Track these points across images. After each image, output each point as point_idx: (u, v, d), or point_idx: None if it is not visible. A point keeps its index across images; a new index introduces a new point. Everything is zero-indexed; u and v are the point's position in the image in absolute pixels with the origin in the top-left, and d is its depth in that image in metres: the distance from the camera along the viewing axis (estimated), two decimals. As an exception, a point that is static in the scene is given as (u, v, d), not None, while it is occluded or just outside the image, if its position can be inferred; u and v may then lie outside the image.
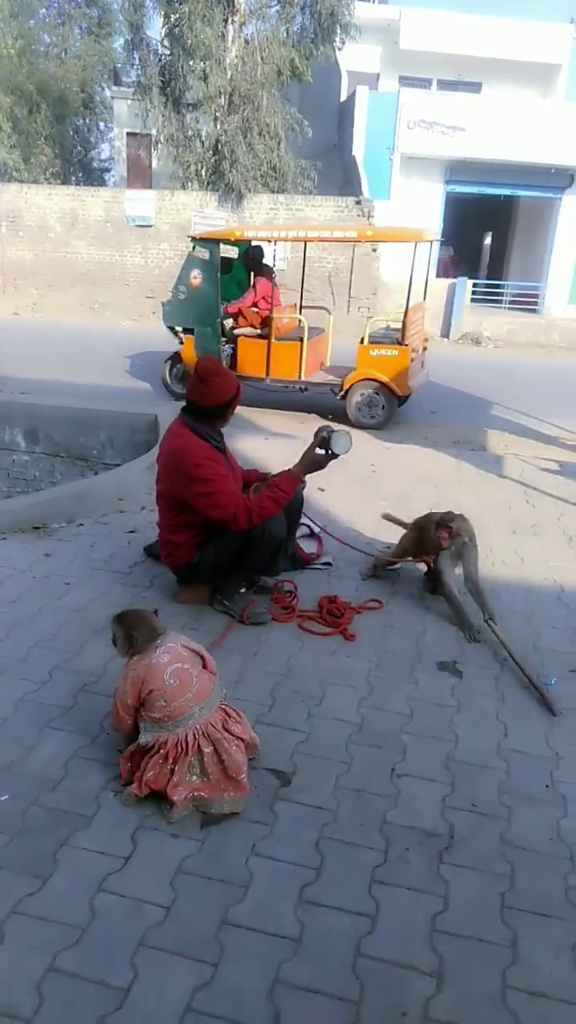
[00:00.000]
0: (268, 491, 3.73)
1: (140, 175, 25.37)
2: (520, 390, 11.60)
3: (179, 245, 18.17)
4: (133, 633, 2.61)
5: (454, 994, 1.99)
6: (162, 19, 18.89)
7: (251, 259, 10.07)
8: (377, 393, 8.71)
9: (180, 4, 17.03)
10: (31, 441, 7.67)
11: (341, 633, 3.81)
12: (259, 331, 9.55)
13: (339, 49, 19.08)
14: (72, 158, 23.81)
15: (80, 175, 23.85)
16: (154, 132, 19.42)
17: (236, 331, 9.63)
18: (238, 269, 10.38)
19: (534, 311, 20.61)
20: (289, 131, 18.55)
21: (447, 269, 21.89)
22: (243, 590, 4.00)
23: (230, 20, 18.07)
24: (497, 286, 21.66)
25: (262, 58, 17.64)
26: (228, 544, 3.80)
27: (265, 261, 10.13)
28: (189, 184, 18.64)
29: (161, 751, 2.50)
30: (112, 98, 25.25)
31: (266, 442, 7.51)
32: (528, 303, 20.80)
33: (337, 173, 20.81)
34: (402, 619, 4.05)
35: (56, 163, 22.46)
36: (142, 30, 18.62)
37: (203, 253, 8.97)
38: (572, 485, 6.68)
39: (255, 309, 9.72)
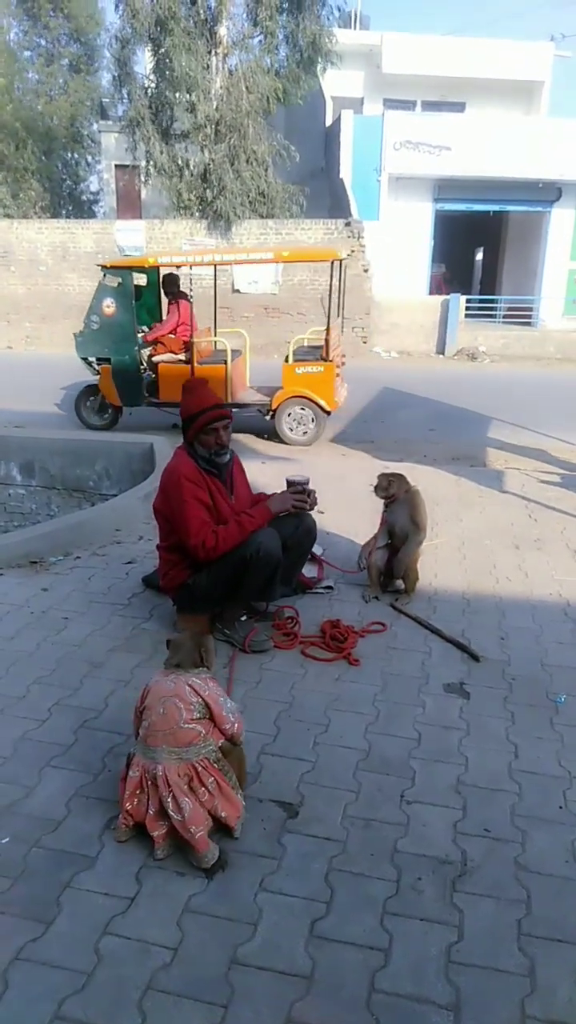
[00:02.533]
0: (244, 516, 3.79)
1: (130, 206, 25.58)
2: (518, 404, 11.59)
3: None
4: (169, 648, 2.64)
5: (472, 1028, 1.92)
6: (148, 53, 19.11)
7: (170, 284, 10.03)
8: (304, 409, 8.89)
9: (164, 37, 17.22)
10: (27, 474, 7.63)
11: (345, 658, 3.76)
12: (179, 356, 9.57)
13: (322, 76, 19.26)
14: (61, 192, 24.02)
15: (70, 208, 24.02)
16: (143, 163, 19.60)
17: (155, 358, 9.58)
18: (147, 295, 10.35)
19: (529, 324, 20.67)
20: (276, 157, 18.74)
21: (440, 286, 22.00)
22: (244, 618, 3.97)
23: (214, 52, 18.30)
24: (490, 301, 21.74)
25: (247, 87, 17.83)
26: (223, 565, 3.75)
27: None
28: (179, 213, 18.77)
29: (133, 773, 2.45)
30: (99, 131, 25.53)
31: (263, 466, 7.49)
32: (522, 317, 20.86)
33: (325, 196, 20.98)
34: (406, 641, 4.00)
35: (45, 197, 22.68)
36: (129, 65, 18.84)
37: (114, 281, 8.97)
38: (574, 498, 6.63)
39: (172, 335, 9.75)
